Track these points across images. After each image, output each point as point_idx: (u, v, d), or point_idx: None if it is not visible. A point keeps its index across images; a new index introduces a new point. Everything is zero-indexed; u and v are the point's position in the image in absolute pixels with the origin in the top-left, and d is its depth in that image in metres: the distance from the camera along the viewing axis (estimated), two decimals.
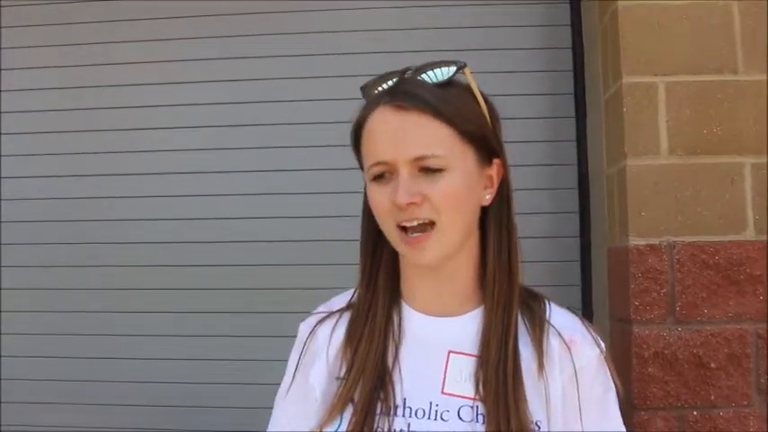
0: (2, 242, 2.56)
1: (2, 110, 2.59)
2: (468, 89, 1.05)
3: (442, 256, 1.01)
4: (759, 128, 1.97)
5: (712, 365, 1.91)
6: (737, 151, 1.97)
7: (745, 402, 1.90)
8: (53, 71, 2.58)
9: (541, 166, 2.42)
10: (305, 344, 1.12)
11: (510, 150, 2.55)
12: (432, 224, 0.99)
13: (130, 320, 2.49)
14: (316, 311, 1.15)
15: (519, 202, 2.35)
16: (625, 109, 1.99)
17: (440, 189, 0.98)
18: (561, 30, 2.45)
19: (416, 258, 1.01)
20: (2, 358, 2.53)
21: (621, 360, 2.02)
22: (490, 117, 1.06)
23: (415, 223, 0.99)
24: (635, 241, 1.95)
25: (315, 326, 1.12)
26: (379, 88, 1.05)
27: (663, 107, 1.98)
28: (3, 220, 2.57)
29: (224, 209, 2.50)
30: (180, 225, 2.51)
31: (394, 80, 1.04)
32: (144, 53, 2.55)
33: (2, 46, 2.59)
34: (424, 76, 1.03)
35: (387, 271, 1.09)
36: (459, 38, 2.44)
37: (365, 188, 1.08)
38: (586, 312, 2.35)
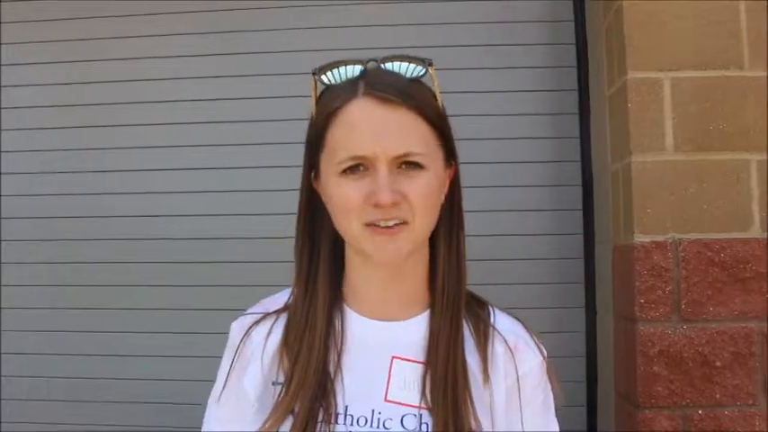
0: (2, 238, 2.55)
1: (2, 106, 2.57)
2: (430, 87, 1.00)
3: (407, 253, 0.97)
4: (765, 124, 1.95)
5: (717, 364, 1.90)
6: (743, 148, 1.96)
7: (751, 401, 1.89)
8: (53, 67, 2.57)
9: (545, 163, 2.41)
10: (238, 346, 1.06)
11: (513, 147, 2.55)
12: (405, 224, 0.95)
13: (133, 317, 2.48)
14: (250, 311, 1.09)
15: (522, 198, 2.35)
16: (630, 105, 1.98)
17: (418, 188, 0.94)
18: (564, 26, 2.43)
19: (383, 253, 0.96)
20: (2, 355, 2.52)
21: (626, 358, 2.01)
22: (446, 117, 1.03)
23: (391, 223, 0.94)
24: (640, 238, 1.94)
25: (249, 327, 1.06)
26: (339, 74, 0.98)
27: (668, 103, 1.97)
28: (3, 216, 2.56)
29: (232, 206, 2.49)
30: (185, 221, 2.50)
31: (361, 69, 0.98)
32: (143, 50, 2.54)
33: (2, 42, 2.58)
34: (392, 67, 0.98)
35: (326, 273, 1.04)
36: (462, 34, 2.43)
37: (303, 184, 1.04)
38: (590, 310, 2.34)
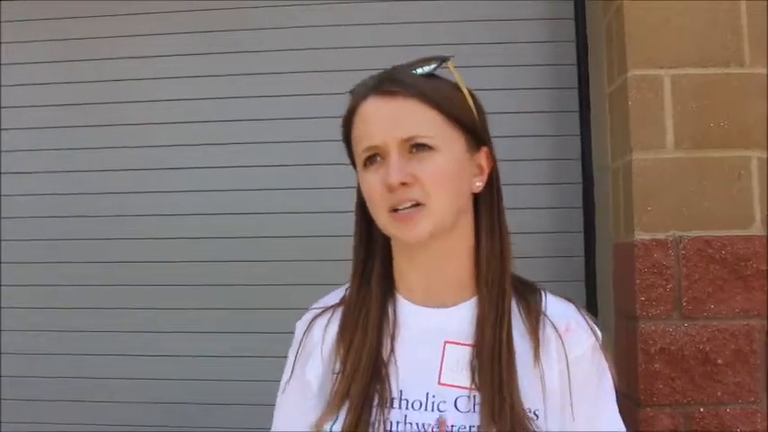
0: (2, 238, 2.55)
1: (2, 105, 2.57)
2: (453, 83, 1.08)
3: (430, 233, 1.01)
4: (766, 121, 1.94)
5: (719, 362, 1.89)
6: (744, 145, 1.95)
7: (752, 399, 1.88)
8: (54, 66, 2.57)
9: (545, 161, 2.41)
10: (301, 341, 1.13)
11: (514, 145, 2.55)
12: (421, 205, 1.00)
13: (135, 317, 2.48)
14: (311, 308, 1.16)
15: (523, 196, 2.36)
16: (630, 102, 1.97)
17: (429, 169, 1.00)
18: (565, 23, 2.42)
19: (406, 234, 1.01)
20: (2, 355, 2.51)
21: (627, 356, 2.01)
22: (476, 109, 1.09)
23: (407, 204, 1.00)
24: (641, 236, 1.93)
25: (310, 322, 1.13)
26: (366, 81, 1.08)
27: (669, 100, 1.96)
28: (3, 215, 2.55)
29: (241, 204, 2.48)
30: (188, 221, 2.50)
31: (383, 75, 1.07)
32: (144, 48, 2.54)
33: (2, 41, 2.57)
34: (412, 69, 1.06)
35: (380, 264, 1.10)
36: (462, 31, 2.43)
37: (358, 183, 1.09)
38: (590, 308, 2.33)
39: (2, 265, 2.55)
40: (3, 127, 2.58)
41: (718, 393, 1.88)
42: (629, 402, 1.97)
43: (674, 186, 1.95)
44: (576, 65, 2.40)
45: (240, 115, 2.50)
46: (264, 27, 2.50)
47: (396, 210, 1.00)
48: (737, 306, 1.90)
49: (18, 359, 2.51)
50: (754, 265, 1.91)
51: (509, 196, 2.40)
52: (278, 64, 2.49)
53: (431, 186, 1.00)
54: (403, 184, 0.99)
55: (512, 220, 2.24)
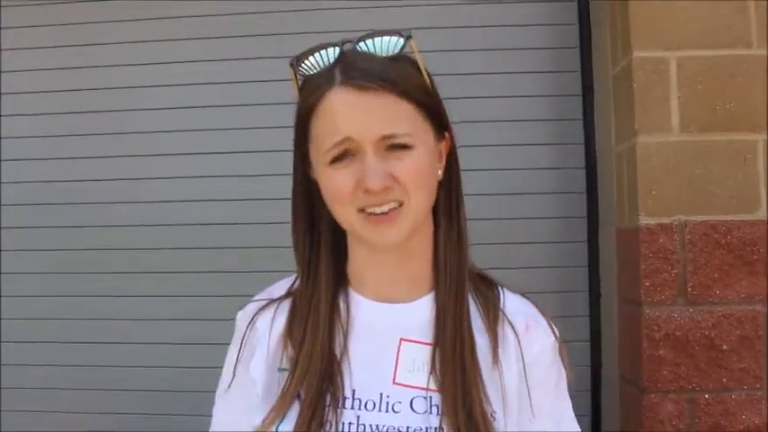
0: (2, 225, 2.54)
1: (1, 92, 2.55)
2: (413, 61, 0.98)
3: (407, 234, 0.96)
4: None
5: (724, 347, 1.88)
6: (751, 128, 1.93)
7: (758, 385, 1.87)
8: (53, 52, 2.55)
9: (548, 145, 2.37)
10: (244, 335, 1.05)
11: (516, 130, 2.52)
12: (400, 205, 0.94)
13: (134, 306, 2.47)
14: (254, 299, 1.08)
15: (525, 182, 2.33)
16: (635, 85, 1.95)
17: (408, 168, 0.93)
18: (566, 6, 2.39)
19: (383, 238, 0.95)
20: (1, 344, 2.51)
21: (631, 342, 1.99)
22: (433, 89, 1.00)
23: (385, 209, 0.93)
24: (645, 221, 1.92)
25: (254, 315, 1.05)
26: (317, 61, 0.96)
27: (674, 83, 1.94)
28: (3, 203, 2.54)
29: (224, 192, 2.46)
30: (181, 208, 2.48)
31: (336, 53, 0.95)
32: (142, 34, 2.52)
33: (2, 27, 2.55)
34: (368, 46, 0.95)
35: (327, 258, 1.02)
36: (464, 15, 2.39)
37: (297, 171, 1.02)
38: (594, 293, 2.32)
39: (2, 252, 2.53)
40: (3, 113, 2.55)
41: (724, 380, 1.87)
42: (632, 388, 1.95)
43: (679, 170, 1.92)
44: (579, 47, 2.37)
45: (215, 102, 2.48)
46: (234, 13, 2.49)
47: (369, 212, 0.93)
48: (743, 291, 1.89)
49: (17, 348, 2.50)
50: (760, 250, 1.89)
51: (510, 181, 2.39)
52: (243, 49, 2.46)
53: (410, 185, 0.93)
54: (385, 187, 0.91)
55: (514, 205, 2.22)
